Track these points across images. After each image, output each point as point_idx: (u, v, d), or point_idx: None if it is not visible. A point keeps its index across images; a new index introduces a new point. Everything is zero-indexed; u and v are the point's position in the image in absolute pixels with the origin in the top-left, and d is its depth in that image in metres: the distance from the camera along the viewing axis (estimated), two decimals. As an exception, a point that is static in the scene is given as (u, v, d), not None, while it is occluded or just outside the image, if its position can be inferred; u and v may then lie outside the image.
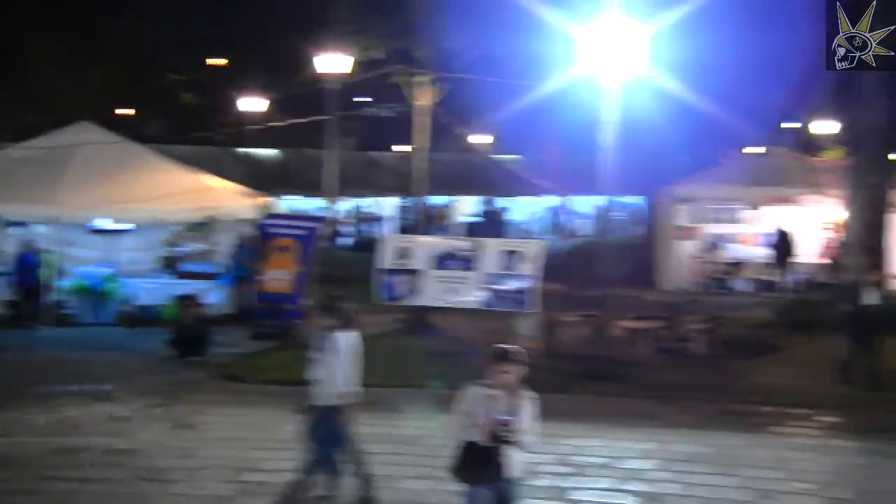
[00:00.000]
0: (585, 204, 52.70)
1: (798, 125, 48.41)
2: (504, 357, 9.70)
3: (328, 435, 11.96)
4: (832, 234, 30.37)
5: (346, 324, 12.19)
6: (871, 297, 19.20)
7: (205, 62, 63.14)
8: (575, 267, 28.04)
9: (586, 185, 37.57)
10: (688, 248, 31.93)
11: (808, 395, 18.65)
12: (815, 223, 31.27)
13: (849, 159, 27.32)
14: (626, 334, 22.54)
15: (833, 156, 37.19)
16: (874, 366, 18.90)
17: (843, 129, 32.90)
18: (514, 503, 9.79)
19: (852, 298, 19.46)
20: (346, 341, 12.09)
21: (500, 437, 9.51)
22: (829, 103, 40.92)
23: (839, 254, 27.87)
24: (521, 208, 55.37)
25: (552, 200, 57.37)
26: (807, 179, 31.07)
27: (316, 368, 12.05)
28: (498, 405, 9.58)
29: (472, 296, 21.59)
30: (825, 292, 26.77)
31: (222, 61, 62.98)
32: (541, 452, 11.74)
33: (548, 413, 10.21)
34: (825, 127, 44.94)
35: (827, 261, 30.40)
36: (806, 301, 26.59)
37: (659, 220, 32.95)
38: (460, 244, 22.74)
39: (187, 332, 22.51)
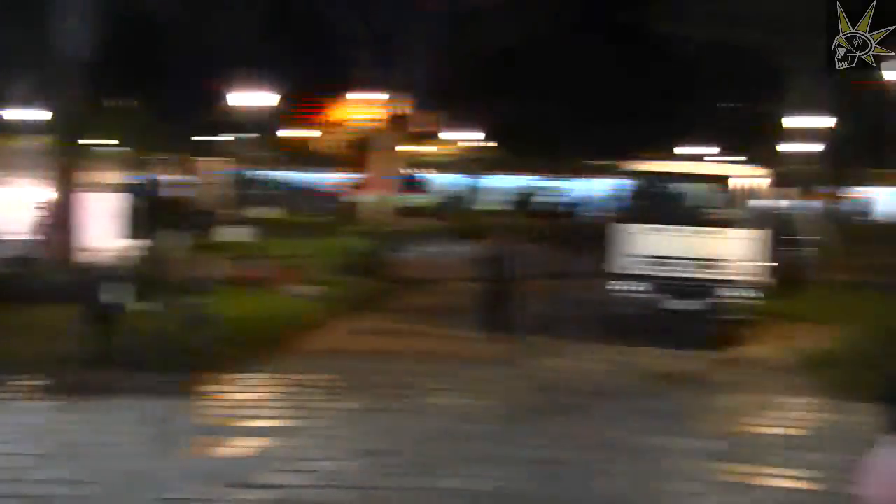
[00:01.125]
0: None
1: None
2: None
3: None
4: (40, 213, 30.86)
5: None
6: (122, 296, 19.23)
7: None
8: None
9: None
10: None
11: (15, 363, 18.27)
12: (24, 202, 31.52)
13: (50, 144, 28.28)
14: None
15: (37, 140, 37.83)
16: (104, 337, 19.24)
17: (49, 117, 33.46)
18: None
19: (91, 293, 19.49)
20: None
21: None
22: (31, 92, 41.61)
23: (46, 231, 28.54)
24: None
25: None
26: (11, 162, 31.29)
27: None
28: None
29: None
30: (31, 267, 27.08)
31: None
32: None
33: None
34: (29, 114, 45.38)
35: (37, 237, 30.82)
36: (9, 275, 26.57)
37: None
38: None
39: None
